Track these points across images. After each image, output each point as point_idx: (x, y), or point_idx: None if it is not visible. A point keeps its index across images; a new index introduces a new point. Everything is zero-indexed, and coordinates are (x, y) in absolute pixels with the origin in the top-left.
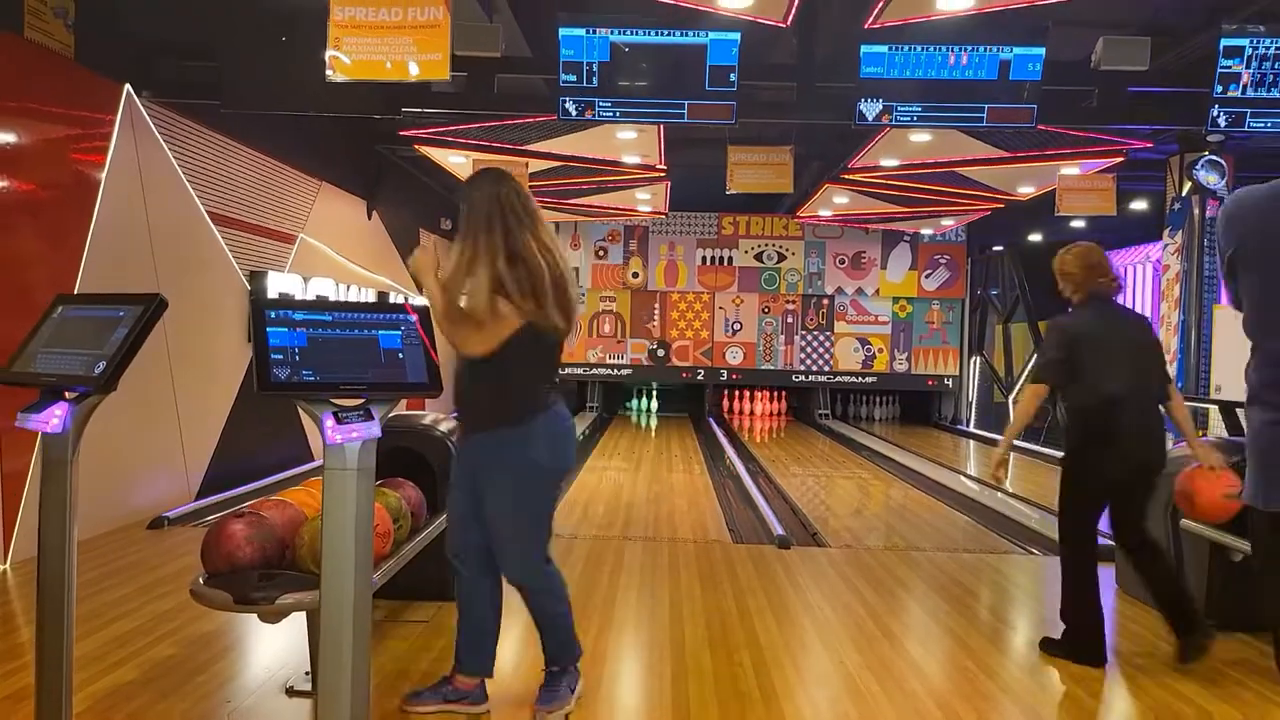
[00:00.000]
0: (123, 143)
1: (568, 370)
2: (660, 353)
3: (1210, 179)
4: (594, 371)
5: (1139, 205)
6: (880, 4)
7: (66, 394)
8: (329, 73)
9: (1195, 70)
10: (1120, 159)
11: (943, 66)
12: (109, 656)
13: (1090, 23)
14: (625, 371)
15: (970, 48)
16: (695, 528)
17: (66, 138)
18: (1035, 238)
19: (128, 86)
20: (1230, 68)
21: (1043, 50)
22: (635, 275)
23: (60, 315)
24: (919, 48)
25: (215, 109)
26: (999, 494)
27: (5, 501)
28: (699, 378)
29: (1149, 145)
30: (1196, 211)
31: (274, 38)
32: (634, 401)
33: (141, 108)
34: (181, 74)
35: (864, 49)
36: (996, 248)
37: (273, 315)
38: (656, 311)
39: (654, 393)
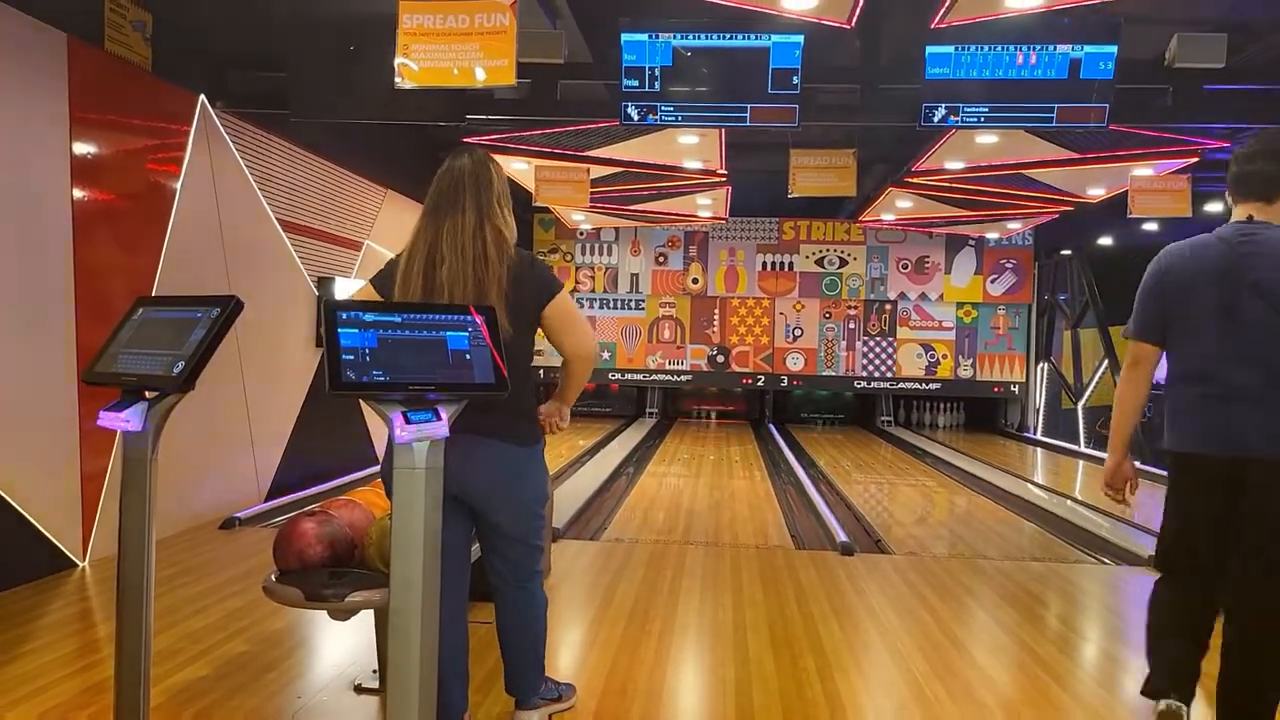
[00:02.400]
0: (197, 152)
1: (627, 376)
2: (720, 359)
3: None
4: (654, 378)
5: (1214, 207)
6: (947, 3)
7: (146, 393)
8: (398, 80)
9: (1274, 67)
10: (1195, 159)
11: (1010, 66)
12: (183, 652)
13: (1164, 20)
14: (685, 377)
15: (1039, 46)
16: (756, 533)
17: (144, 148)
18: (1105, 241)
19: (202, 97)
20: None
21: (1115, 48)
22: (695, 281)
23: (140, 316)
24: (986, 47)
25: (285, 118)
26: (1069, 502)
27: (85, 501)
28: (759, 384)
29: (1225, 145)
30: None
31: (342, 48)
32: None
33: (215, 117)
34: (253, 84)
35: (929, 49)
36: (1065, 251)
37: (344, 316)
38: (716, 317)
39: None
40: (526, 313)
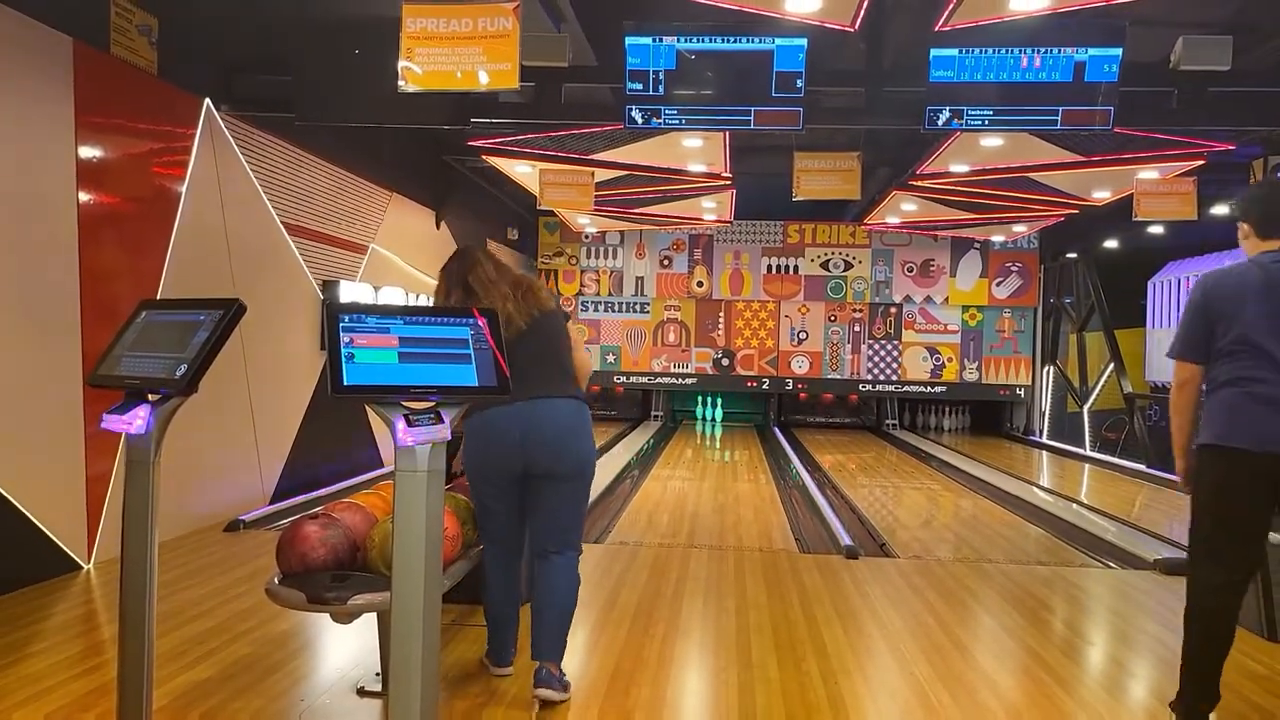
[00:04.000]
0: (202, 155)
1: (632, 379)
2: (725, 362)
3: None
4: (659, 381)
5: (1221, 210)
6: (951, 5)
7: (149, 396)
8: (401, 83)
9: None
10: (1201, 162)
11: (1015, 69)
12: (187, 654)
13: (1170, 22)
14: (690, 380)
15: (1044, 49)
16: (761, 537)
17: (150, 151)
18: (1111, 244)
19: (207, 101)
20: None
21: (1119, 51)
22: (700, 284)
23: (144, 320)
24: (990, 50)
25: (290, 122)
26: (1074, 506)
27: (89, 504)
28: (764, 387)
29: (1231, 147)
30: None
31: (347, 51)
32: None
33: (220, 121)
34: (258, 88)
35: (933, 52)
36: (1070, 254)
37: (347, 319)
38: (721, 320)
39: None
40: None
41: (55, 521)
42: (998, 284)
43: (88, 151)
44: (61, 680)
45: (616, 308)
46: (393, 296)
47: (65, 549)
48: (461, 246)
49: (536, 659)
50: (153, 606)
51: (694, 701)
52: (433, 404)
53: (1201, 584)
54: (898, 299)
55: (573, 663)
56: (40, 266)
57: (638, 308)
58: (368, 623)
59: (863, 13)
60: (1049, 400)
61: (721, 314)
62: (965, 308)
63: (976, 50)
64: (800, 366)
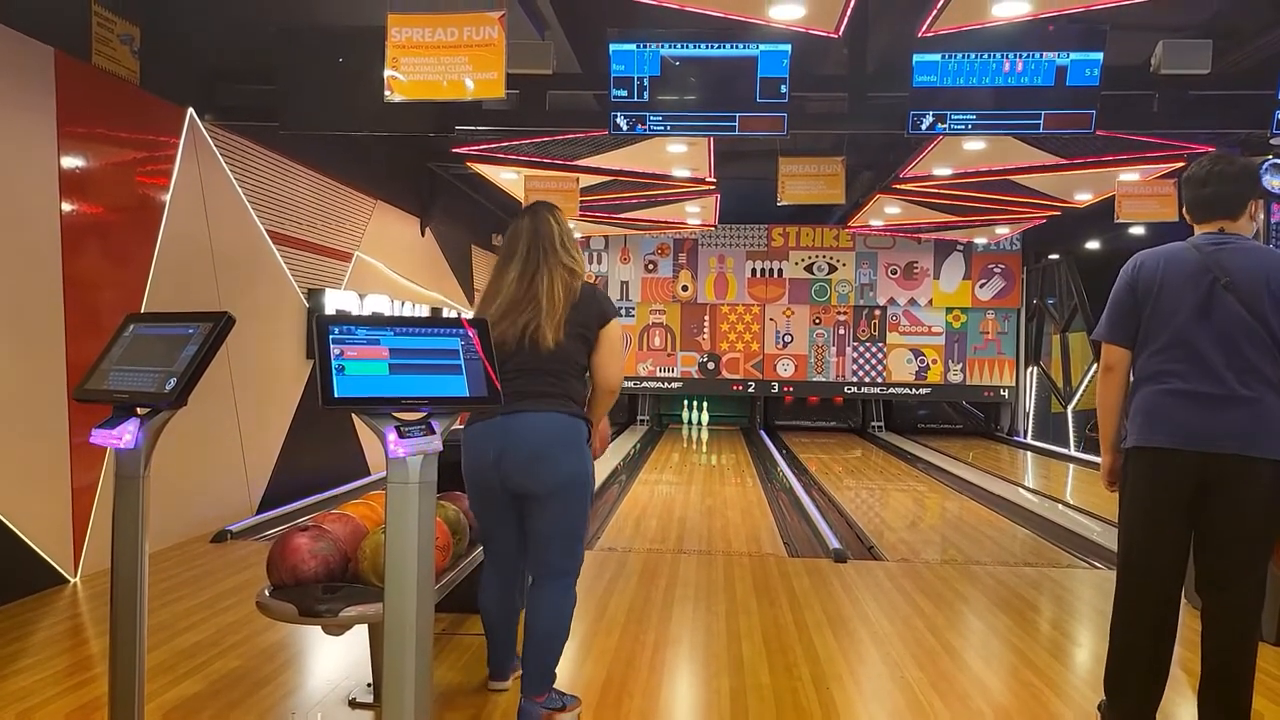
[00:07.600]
0: (186, 165)
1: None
2: (710, 365)
3: (1275, 183)
4: (644, 385)
5: None
6: (934, 11)
7: (138, 410)
8: (387, 93)
9: (1259, 72)
10: (1182, 164)
11: (997, 73)
12: (177, 668)
13: (1150, 26)
14: (675, 385)
15: (1025, 54)
16: (749, 541)
17: (132, 161)
18: (1093, 245)
19: (190, 110)
20: None
21: (1100, 55)
22: (685, 288)
23: (131, 333)
24: (973, 55)
25: (274, 130)
26: (1060, 506)
27: (75, 516)
28: (750, 390)
29: (1211, 150)
30: (1261, 217)
31: (330, 60)
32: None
33: (204, 131)
34: (242, 97)
35: (916, 57)
36: (1053, 256)
37: (336, 331)
38: (706, 324)
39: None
40: (584, 328)
41: (41, 535)
42: (981, 285)
43: (70, 162)
44: (49, 696)
45: None
46: (378, 304)
47: (51, 562)
48: (517, 231)
49: (521, 690)
50: (144, 622)
51: (687, 710)
52: (424, 415)
53: (1126, 597)
54: (882, 301)
55: (564, 671)
56: (23, 277)
57: (623, 312)
58: (359, 635)
59: (846, 19)
60: (1033, 401)
61: (706, 318)
62: (949, 309)
63: (959, 55)
64: (785, 370)
